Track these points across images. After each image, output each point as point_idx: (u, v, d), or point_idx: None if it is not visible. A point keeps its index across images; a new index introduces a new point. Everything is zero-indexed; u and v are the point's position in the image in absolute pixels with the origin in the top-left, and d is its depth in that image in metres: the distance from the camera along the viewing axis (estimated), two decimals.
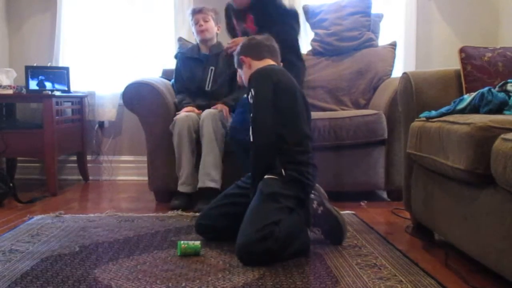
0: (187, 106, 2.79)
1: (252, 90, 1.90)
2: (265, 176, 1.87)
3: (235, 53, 2.17)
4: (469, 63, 2.06)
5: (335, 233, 1.92)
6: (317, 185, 1.98)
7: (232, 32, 3.05)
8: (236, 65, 2.18)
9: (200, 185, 2.59)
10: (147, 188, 2.91)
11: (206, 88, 2.88)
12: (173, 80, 3.05)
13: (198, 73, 2.91)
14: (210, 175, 2.56)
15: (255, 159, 1.90)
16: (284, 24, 2.73)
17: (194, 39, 3.10)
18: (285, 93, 1.92)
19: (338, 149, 2.76)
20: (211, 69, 2.90)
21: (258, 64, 2.04)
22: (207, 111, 2.66)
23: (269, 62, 2.05)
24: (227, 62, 2.83)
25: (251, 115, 1.89)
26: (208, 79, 2.89)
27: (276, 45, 2.13)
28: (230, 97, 2.82)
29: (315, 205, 1.93)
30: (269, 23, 2.66)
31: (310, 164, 1.92)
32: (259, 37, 2.18)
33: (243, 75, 2.13)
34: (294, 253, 1.75)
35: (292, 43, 2.79)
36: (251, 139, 1.88)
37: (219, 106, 2.74)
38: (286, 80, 1.96)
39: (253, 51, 2.08)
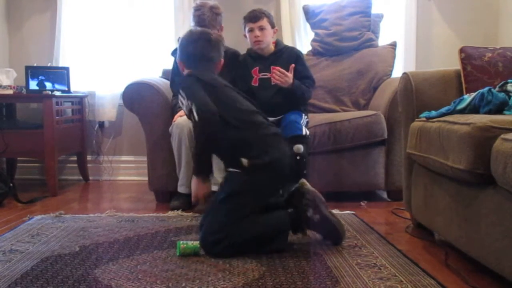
0: (180, 110, 2.66)
1: (184, 96, 1.87)
2: (229, 169, 1.89)
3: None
4: (469, 63, 2.06)
5: (333, 237, 1.91)
6: (313, 189, 1.89)
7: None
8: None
9: None
10: (147, 188, 2.91)
11: None
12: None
13: None
14: (214, 179, 2.52)
15: (200, 152, 1.88)
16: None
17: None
18: (212, 89, 1.91)
19: (338, 151, 2.76)
20: None
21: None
22: None
23: None
24: (227, 65, 2.74)
25: (194, 117, 1.81)
26: None
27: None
28: None
29: (310, 213, 1.83)
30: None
31: (268, 135, 1.89)
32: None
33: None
34: (268, 251, 1.78)
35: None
36: (195, 138, 1.87)
37: None
38: (207, 79, 1.95)
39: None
